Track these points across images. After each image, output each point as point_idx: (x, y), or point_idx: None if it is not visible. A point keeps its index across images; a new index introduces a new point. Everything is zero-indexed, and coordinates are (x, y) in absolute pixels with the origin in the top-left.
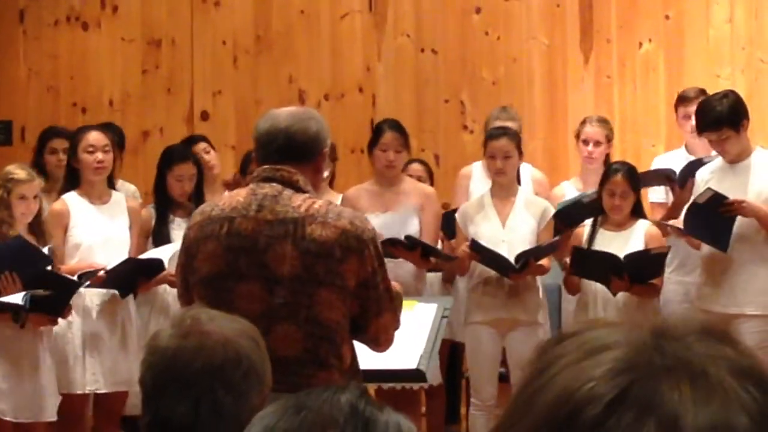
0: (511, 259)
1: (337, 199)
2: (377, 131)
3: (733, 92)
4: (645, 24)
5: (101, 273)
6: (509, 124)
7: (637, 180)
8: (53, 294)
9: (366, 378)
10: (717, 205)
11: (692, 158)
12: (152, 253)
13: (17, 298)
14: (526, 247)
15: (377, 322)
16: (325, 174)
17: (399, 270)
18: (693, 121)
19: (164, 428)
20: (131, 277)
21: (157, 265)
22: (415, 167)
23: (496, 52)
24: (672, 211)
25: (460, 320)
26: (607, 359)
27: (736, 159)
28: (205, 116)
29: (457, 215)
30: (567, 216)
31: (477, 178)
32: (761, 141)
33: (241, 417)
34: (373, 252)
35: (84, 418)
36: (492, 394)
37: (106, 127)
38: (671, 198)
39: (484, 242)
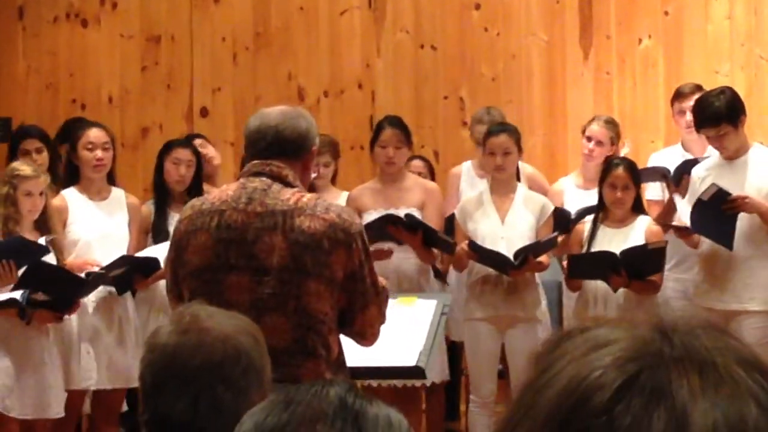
0: (510, 256)
1: (339, 196)
2: (377, 128)
3: (729, 88)
4: (644, 20)
5: (96, 269)
6: None
7: (637, 174)
8: (52, 299)
9: (366, 375)
10: (721, 202)
11: (688, 155)
12: (149, 252)
13: (15, 294)
14: (526, 243)
15: (363, 316)
16: (313, 175)
17: (404, 265)
18: (688, 117)
19: (164, 425)
20: (128, 275)
21: (153, 263)
22: (416, 164)
23: (495, 48)
24: (667, 209)
25: (454, 317)
26: (614, 350)
27: (733, 155)
28: (204, 113)
29: (456, 212)
30: (578, 220)
31: (466, 177)
32: (760, 137)
33: (240, 413)
34: (360, 245)
35: (79, 414)
36: (491, 390)
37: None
38: (667, 196)
39: (483, 239)
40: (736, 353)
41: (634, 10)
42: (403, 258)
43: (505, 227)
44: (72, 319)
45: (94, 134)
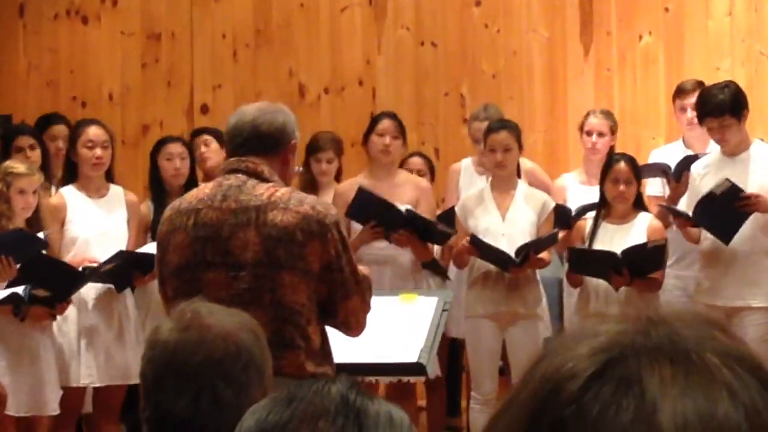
0: (511, 253)
1: None
2: (374, 120)
3: (733, 82)
4: (645, 17)
5: (94, 266)
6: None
7: (638, 169)
8: (53, 294)
9: (367, 371)
10: (732, 198)
11: (689, 151)
12: (147, 248)
13: (17, 290)
14: (526, 240)
15: (345, 306)
16: (298, 169)
17: (400, 259)
18: (689, 114)
19: (165, 422)
20: (126, 271)
21: (150, 259)
22: (416, 161)
23: (496, 45)
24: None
25: (454, 314)
26: (592, 342)
27: (734, 150)
28: (205, 110)
29: (457, 209)
30: (579, 216)
31: (465, 174)
32: (760, 133)
33: (241, 410)
34: (336, 236)
35: (79, 412)
36: (492, 387)
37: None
38: (668, 192)
39: (484, 235)
40: (715, 344)
41: (634, 7)
42: (399, 252)
43: (506, 224)
44: (71, 316)
45: (94, 132)
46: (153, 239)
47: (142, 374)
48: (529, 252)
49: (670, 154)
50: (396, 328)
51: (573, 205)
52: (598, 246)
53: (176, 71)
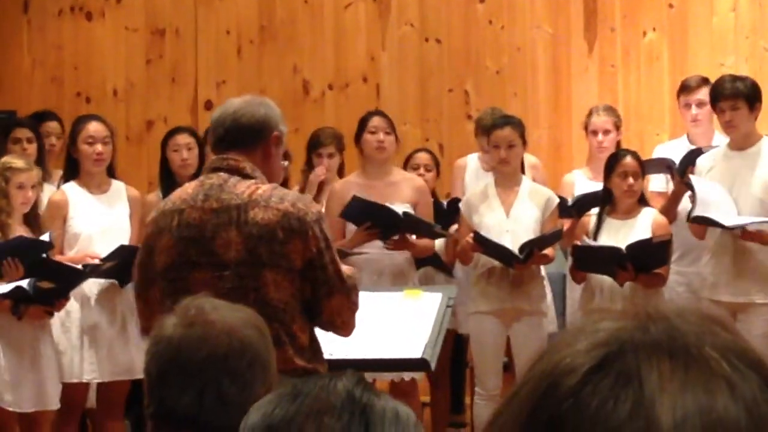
0: (515, 249)
1: None
2: (363, 120)
3: (751, 78)
4: (649, 13)
5: (96, 261)
6: None
7: (643, 164)
8: (57, 287)
9: (371, 367)
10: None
11: (693, 147)
12: None
13: (22, 283)
14: (531, 236)
15: (329, 304)
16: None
17: (398, 259)
18: (694, 110)
19: (169, 418)
20: (128, 266)
21: None
22: (422, 156)
23: (500, 41)
24: (671, 201)
25: (459, 310)
26: (592, 338)
27: (742, 144)
28: (209, 106)
29: (461, 205)
30: (580, 206)
31: (472, 169)
32: (764, 130)
33: (245, 406)
34: (318, 233)
35: (82, 408)
36: (496, 383)
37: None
38: (671, 188)
39: (488, 232)
40: (715, 338)
41: (638, 3)
42: (395, 254)
43: (510, 220)
44: (74, 312)
45: (94, 128)
46: None
47: (146, 370)
48: (533, 249)
49: (674, 150)
50: (400, 323)
51: None
52: (602, 241)
53: (180, 67)
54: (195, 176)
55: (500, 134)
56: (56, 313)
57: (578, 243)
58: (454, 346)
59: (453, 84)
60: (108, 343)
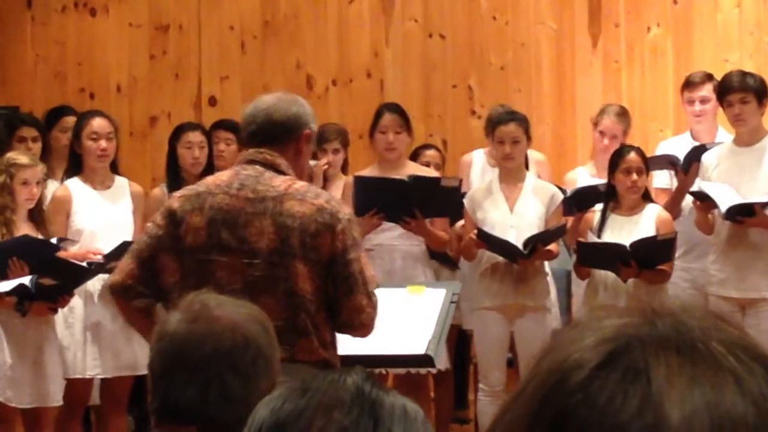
0: (519, 245)
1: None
2: (376, 115)
3: (758, 74)
4: (653, 9)
5: (99, 257)
6: None
7: (647, 160)
8: (60, 284)
9: (375, 363)
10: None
11: (697, 144)
12: None
13: (24, 280)
14: (534, 232)
15: (349, 303)
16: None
17: (411, 249)
18: (697, 107)
19: (173, 413)
20: None
21: None
22: (431, 153)
23: (504, 37)
24: (675, 197)
25: (464, 306)
26: (598, 334)
27: (749, 140)
28: (212, 101)
29: (465, 201)
30: (579, 199)
31: (477, 166)
32: None
33: (249, 402)
34: (347, 230)
35: (86, 404)
36: (500, 379)
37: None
38: (675, 184)
39: (492, 227)
40: (721, 333)
41: None
42: (410, 243)
43: (514, 216)
44: (77, 308)
45: (98, 124)
46: None
47: (150, 366)
48: (536, 243)
49: (677, 147)
50: (404, 319)
51: None
52: (606, 237)
53: (184, 63)
54: (203, 175)
55: (504, 130)
56: (59, 310)
57: (582, 240)
58: (457, 341)
59: (457, 80)
60: (111, 338)
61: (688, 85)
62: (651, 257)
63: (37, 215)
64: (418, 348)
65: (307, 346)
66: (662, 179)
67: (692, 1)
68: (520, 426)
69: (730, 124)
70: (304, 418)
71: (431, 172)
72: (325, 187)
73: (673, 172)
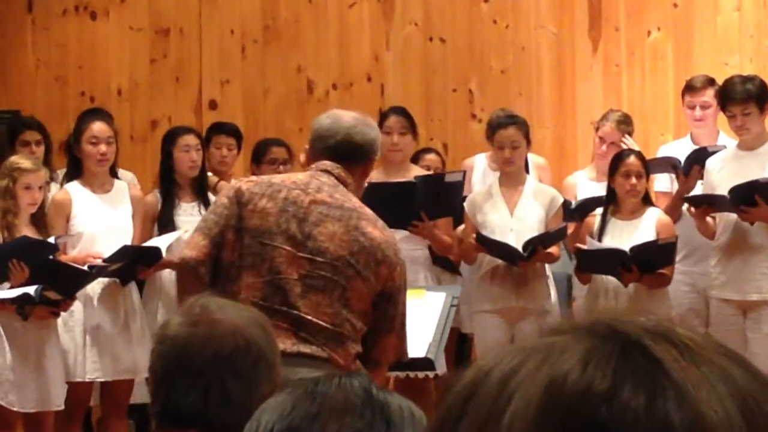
0: (519, 248)
1: None
2: (382, 117)
3: (758, 77)
4: (653, 12)
5: (99, 261)
6: None
7: (647, 164)
8: (64, 297)
9: None
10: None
11: (697, 147)
12: (153, 242)
13: (29, 290)
14: (535, 235)
15: (384, 341)
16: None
17: (414, 254)
18: (698, 111)
19: (174, 416)
20: (130, 265)
21: (155, 252)
22: (431, 157)
23: (504, 40)
24: (676, 200)
25: (463, 309)
26: (575, 352)
27: (752, 144)
28: (213, 105)
29: (465, 204)
30: (582, 211)
31: (479, 170)
32: None
33: (250, 405)
34: (403, 274)
35: (86, 407)
36: None
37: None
38: (676, 187)
39: (492, 231)
40: (698, 337)
41: (643, 2)
42: (410, 248)
43: (515, 219)
44: (77, 312)
45: (98, 128)
46: (159, 230)
47: (151, 369)
48: (537, 246)
49: (678, 150)
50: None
51: None
52: (607, 241)
53: (185, 67)
54: (198, 179)
55: (504, 134)
56: (60, 316)
57: (582, 246)
58: (458, 344)
59: (457, 84)
60: (111, 342)
61: (689, 89)
62: (652, 261)
63: (39, 219)
64: (418, 351)
65: (345, 357)
66: (663, 183)
67: (692, 5)
68: None
69: (734, 133)
70: (317, 423)
71: None
72: None
73: (673, 176)
